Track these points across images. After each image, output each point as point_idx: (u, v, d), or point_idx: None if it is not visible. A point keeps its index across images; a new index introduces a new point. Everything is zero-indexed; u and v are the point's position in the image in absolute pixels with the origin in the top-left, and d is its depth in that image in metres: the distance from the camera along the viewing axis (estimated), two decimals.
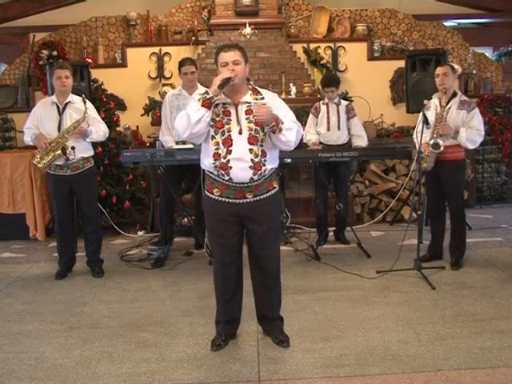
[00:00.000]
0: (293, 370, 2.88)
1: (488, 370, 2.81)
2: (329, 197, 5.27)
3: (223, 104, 2.96)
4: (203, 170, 3.11)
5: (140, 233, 5.89)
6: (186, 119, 2.89)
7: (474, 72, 7.15)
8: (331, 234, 5.37)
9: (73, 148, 4.25)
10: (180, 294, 4.05)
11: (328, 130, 5.11)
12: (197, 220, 5.07)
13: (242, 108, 2.96)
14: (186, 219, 5.17)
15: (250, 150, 2.91)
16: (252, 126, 2.92)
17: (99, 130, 4.42)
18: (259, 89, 3.07)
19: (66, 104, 4.30)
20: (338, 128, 5.09)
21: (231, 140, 2.91)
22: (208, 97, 2.86)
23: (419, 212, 4.31)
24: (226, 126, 2.93)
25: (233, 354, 3.07)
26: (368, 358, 2.97)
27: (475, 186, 6.68)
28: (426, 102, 4.41)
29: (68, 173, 4.34)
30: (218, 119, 2.94)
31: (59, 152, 4.22)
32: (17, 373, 2.93)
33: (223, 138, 2.92)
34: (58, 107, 4.30)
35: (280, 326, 3.23)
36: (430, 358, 2.94)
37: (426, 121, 4.16)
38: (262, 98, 2.99)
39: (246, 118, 2.94)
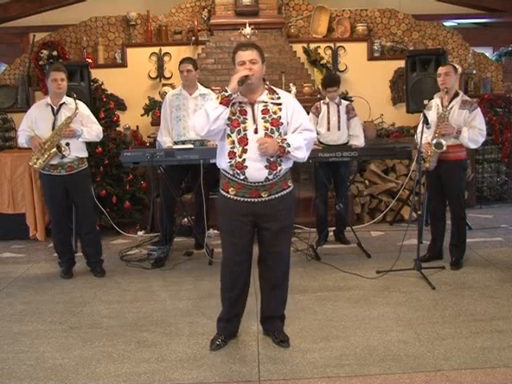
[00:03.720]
0: (293, 370, 2.88)
1: (488, 369, 2.81)
2: (329, 197, 5.26)
3: (239, 103, 2.97)
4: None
5: (140, 233, 5.89)
6: (204, 116, 2.90)
7: (474, 72, 7.15)
8: (331, 234, 5.37)
9: (67, 144, 4.25)
10: (180, 294, 4.05)
11: (328, 130, 5.11)
12: (197, 220, 5.07)
13: (259, 107, 2.97)
14: (185, 219, 5.18)
15: None
16: (268, 125, 2.94)
17: (91, 130, 4.40)
18: (275, 88, 3.08)
19: (61, 105, 4.31)
20: (338, 128, 5.10)
21: (247, 139, 2.93)
22: (226, 94, 2.87)
23: (419, 212, 4.31)
24: (242, 125, 2.94)
25: (233, 354, 3.08)
26: (368, 358, 2.97)
27: (475, 186, 6.68)
28: (426, 101, 4.41)
29: (62, 173, 4.33)
30: (234, 118, 2.95)
31: (54, 150, 4.22)
32: (17, 373, 2.93)
33: (239, 136, 2.93)
34: (52, 108, 4.30)
35: (280, 326, 3.24)
36: (430, 358, 2.95)
37: (426, 121, 4.16)
38: (279, 98, 3.00)
39: (263, 118, 2.95)
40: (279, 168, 2.97)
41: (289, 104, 3.01)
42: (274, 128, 2.94)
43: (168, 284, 4.29)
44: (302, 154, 2.98)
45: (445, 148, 4.23)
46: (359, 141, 5.09)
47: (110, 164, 5.85)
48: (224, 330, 3.21)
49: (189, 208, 5.06)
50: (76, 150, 4.33)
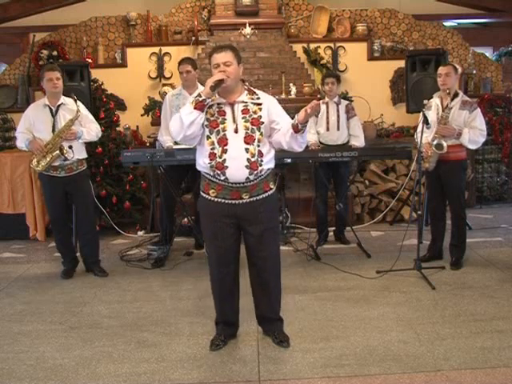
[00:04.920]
0: (293, 370, 2.88)
1: (488, 369, 2.81)
2: (329, 197, 5.26)
3: (218, 104, 2.96)
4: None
5: (140, 233, 5.90)
6: (179, 122, 2.89)
7: (474, 72, 7.15)
8: (331, 234, 5.37)
9: (70, 147, 4.25)
10: (180, 294, 4.05)
11: (327, 129, 5.11)
12: (197, 220, 5.07)
13: (239, 107, 2.96)
14: (185, 219, 5.18)
15: (246, 150, 2.91)
16: (248, 125, 2.93)
17: (91, 130, 4.41)
18: (254, 89, 3.07)
19: (59, 106, 4.30)
20: (338, 128, 5.09)
21: (226, 139, 2.91)
22: (200, 99, 2.86)
23: (419, 212, 4.31)
24: (221, 126, 2.93)
25: (233, 354, 3.08)
26: (368, 358, 2.97)
27: (475, 186, 6.68)
28: (426, 101, 4.41)
29: (62, 174, 4.33)
30: (212, 119, 2.94)
31: (57, 152, 4.21)
32: (17, 373, 2.93)
33: (218, 137, 2.92)
34: (50, 109, 4.29)
35: (280, 326, 3.23)
36: (430, 358, 2.95)
37: (425, 121, 4.16)
38: (258, 98, 3.00)
39: (243, 117, 2.94)
40: (260, 168, 2.94)
41: (270, 105, 3.00)
42: (255, 127, 2.93)
43: (168, 284, 4.29)
44: (306, 138, 3.00)
45: (445, 150, 4.22)
46: (359, 141, 5.09)
47: (110, 164, 5.85)
48: (223, 330, 3.21)
49: (189, 208, 5.06)
50: (76, 152, 4.33)
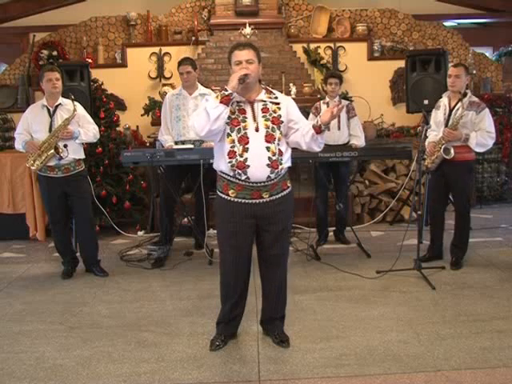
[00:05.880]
0: (293, 370, 2.87)
1: (488, 370, 2.81)
2: (329, 197, 5.27)
3: (237, 102, 2.96)
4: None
5: (140, 233, 5.89)
6: (204, 116, 2.86)
7: (474, 72, 7.16)
8: (331, 234, 5.37)
9: (65, 146, 4.24)
10: (180, 294, 4.05)
11: (328, 129, 5.07)
12: (197, 220, 5.07)
13: (258, 106, 2.96)
14: (186, 219, 5.18)
15: (268, 148, 2.91)
16: (269, 123, 2.93)
17: (88, 130, 4.40)
18: (271, 89, 3.08)
19: (57, 106, 4.30)
20: (338, 128, 5.08)
21: (247, 138, 2.91)
22: (227, 93, 2.85)
23: (419, 212, 4.31)
24: (242, 124, 2.93)
25: (233, 354, 3.07)
26: (368, 358, 2.97)
27: (475, 186, 6.68)
28: (426, 102, 4.39)
29: (59, 175, 4.32)
30: (233, 117, 2.94)
31: (52, 151, 4.21)
32: (17, 373, 2.93)
33: (239, 135, 2.92)
34: (48, 110, 4.29)
35: (280, 326, 3.23)
36: (430, 358, 2.94)
37: (426, 121, 4.15)
38: (276, 98, 3.01)
39: (263, 116, 2.94)
40: (280, 167, 2.95)
41: (288, 105, 3.02)
42: (275, 126, 2.94)
43: (168, 284, 4.29)
44: (324, 139, 3.10)
45: (452, 155, 4.18)
46: (360, 140, 5.09)
47: (110, 164, 5.85)
48: (224, 330, 3.20)
49: (189, 208, 5.06)
50: (73, 151, 4.33)
